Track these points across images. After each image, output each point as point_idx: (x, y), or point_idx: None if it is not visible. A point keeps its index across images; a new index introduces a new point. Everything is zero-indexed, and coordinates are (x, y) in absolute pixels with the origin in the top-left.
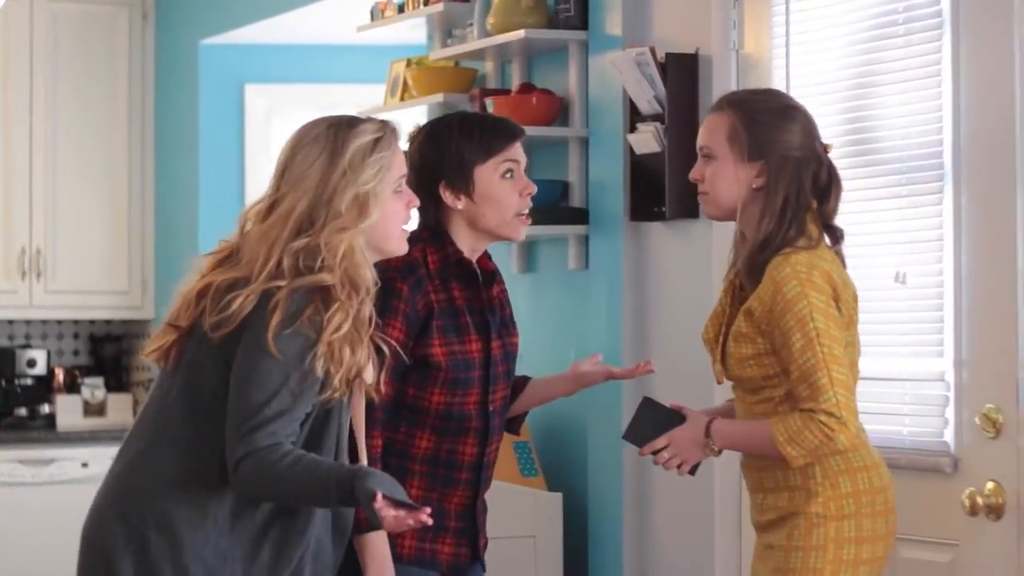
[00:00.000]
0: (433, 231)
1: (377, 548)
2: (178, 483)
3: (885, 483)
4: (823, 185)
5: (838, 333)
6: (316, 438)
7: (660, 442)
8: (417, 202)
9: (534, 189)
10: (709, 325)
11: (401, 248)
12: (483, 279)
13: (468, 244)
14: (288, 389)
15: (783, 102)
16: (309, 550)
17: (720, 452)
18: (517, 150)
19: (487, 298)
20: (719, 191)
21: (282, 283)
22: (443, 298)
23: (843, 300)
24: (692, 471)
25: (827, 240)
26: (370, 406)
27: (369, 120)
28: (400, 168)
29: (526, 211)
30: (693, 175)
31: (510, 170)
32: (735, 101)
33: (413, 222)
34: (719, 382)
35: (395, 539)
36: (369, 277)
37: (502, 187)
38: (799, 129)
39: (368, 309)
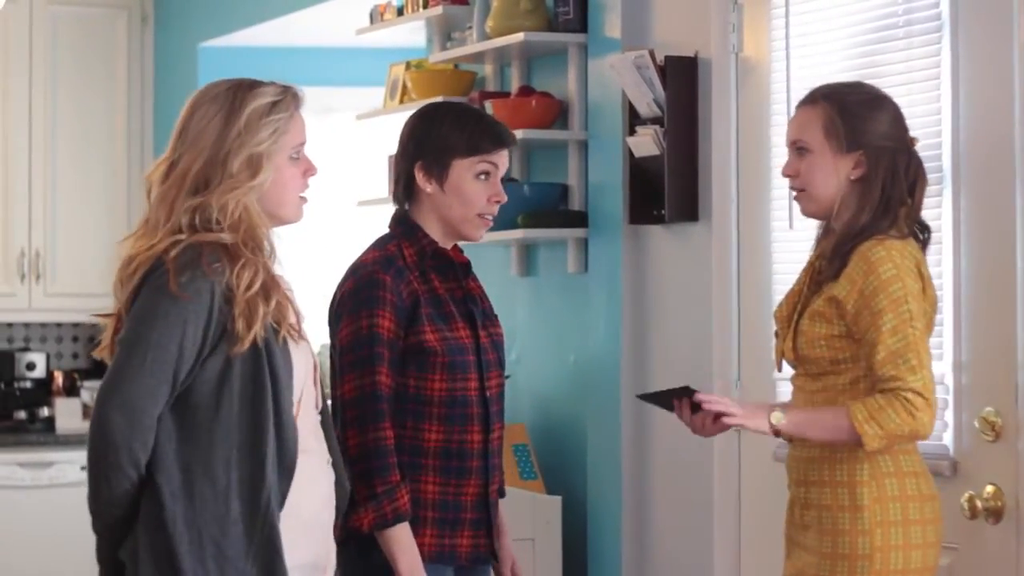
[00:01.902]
0: (404, 226)
1: (405, 540)
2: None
3: (934, 492)
4: (911, 178)
5: (924, 324)
6: (250, 383)
7: (731, 407)
8: (315, 171)
9: (504, 198)
10: (784, 303)
11: (296, 216)
12: (460, 270)
13: (437, 234)
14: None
15: (874, 92)
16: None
17: (779, 430)
18: (501, 156)
19: (466, 288)
20: (817, 186)
21: (181, 237)
22: (425, 289)
23: (927, 296)
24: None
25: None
26: (372, 398)
27: (272, 84)
28: (299, 135)
29: (490, 215)
30: (786, 171)
31: (487, 172)
32: (827, 93)
33: (311, 191)
34: (779, 368)
35: (414, 537)
36: (267, 237)
37: (473, 186)
38: (890, 119)
39: (272, 267)
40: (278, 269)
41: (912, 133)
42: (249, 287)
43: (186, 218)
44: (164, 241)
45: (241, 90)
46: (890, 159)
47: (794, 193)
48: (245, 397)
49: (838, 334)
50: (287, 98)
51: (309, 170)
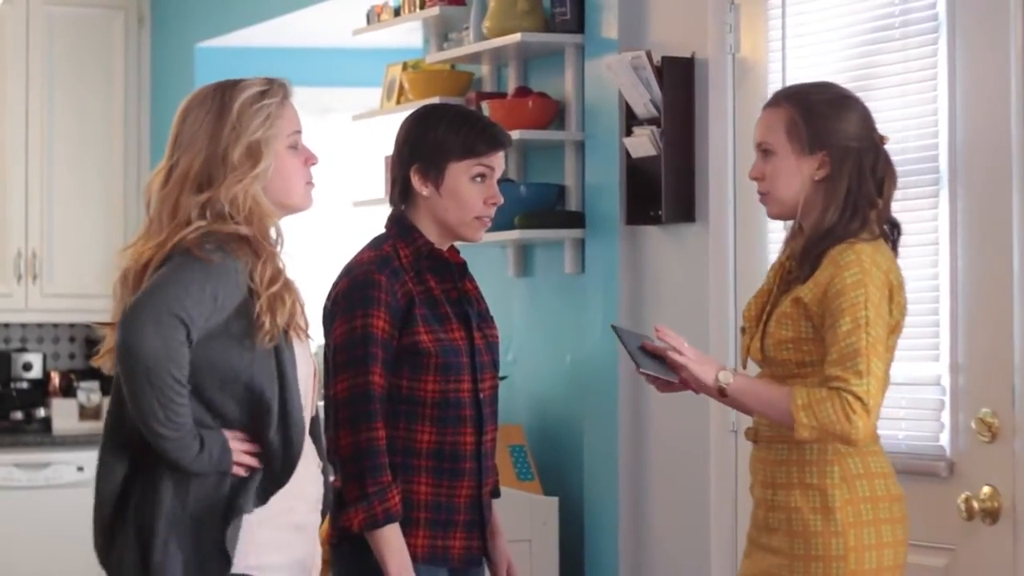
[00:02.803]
0: (400, 227)
1: (395, 541)
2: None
3: (901, 492)
4: (879, 176)
5: (883, 333)
6: (260, 380)
7: (684, 347)
8: (316, 159)
9: (500, 200)
10: (752, 303)
11: (306, 203)
12: (456, 271)
13: (434, 236)
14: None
15: (839, 92)
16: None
17: (726, 390)
18: (496, 159)
19: (462, 289)
20: (780, 187)
21: (200, 224)
22: (421, 290)
23: (895, 302)
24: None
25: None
26: (365, 398)
27: (257, 78)
28: (292, 123)
29: (487, 217)
30: (752, 174)
31: (482, 175)
32: (790, 94)
33: (318, 177)
34: (744, 366)
35: (407, 538)
36: (276, 227)
37: (469, 189)
38: (857, 119)
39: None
40: (286, 259)
41: (881, 132)
42: (272, 283)
43: (195, 212)
44: (176, 234)
45: (228, 88)
46: (856, 159)
47: (759, 196)
48: (253, 392)
49: (805, 336)
50: (274, 87)
51: (310, 159)
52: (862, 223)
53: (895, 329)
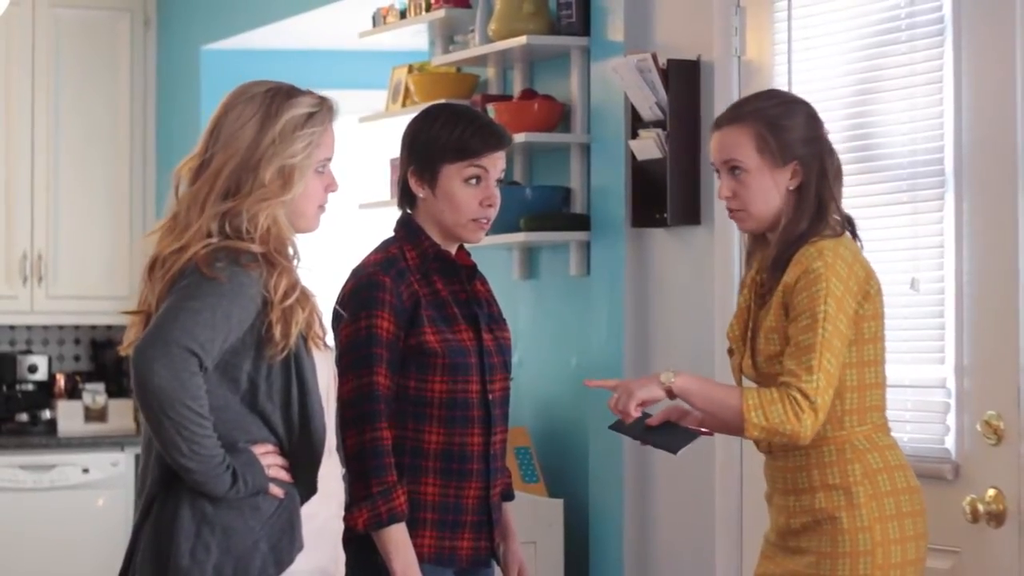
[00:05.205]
0: (407, 229)
1: (400, 541)
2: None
3: (918, 484)
4: (832, 173)
5: (845, 327)
6: (279, 391)
7: (610, 383)
8: (337, 187)
9: (496, 202)
10: (735, 323)
11: (314, 227)
12: (465, 273)
13: (438, 237)
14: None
15: (785, 98)
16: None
17: (670, 389)
18: (491, 159)
19: (471, 291)
20: (758, 204)
21: (211, 241)
22: (427, 291)
23: (864, 292)
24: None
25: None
26: (369, 398)
27: (309, 93)
28: (328, 149)
29: (484, 219)
30: (723, 193)
31: (477, 177)
32: (749, 110)
33: (332, 203)
34: (738, 383)
35: (414, 539)
36: (293, 245)
37: (463, 191)
38: (805, 120)
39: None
40: (303, 275)
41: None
42: (286, 296)
43: (216, 224)
44: (193, 246)
45: (279, 96)
46: (820, 162)
47: (728, 212)
48: (276, 403)
49: None
50: (323, 111)
51: (331, 185)
52: (825, 222)
53: (874, 317)
